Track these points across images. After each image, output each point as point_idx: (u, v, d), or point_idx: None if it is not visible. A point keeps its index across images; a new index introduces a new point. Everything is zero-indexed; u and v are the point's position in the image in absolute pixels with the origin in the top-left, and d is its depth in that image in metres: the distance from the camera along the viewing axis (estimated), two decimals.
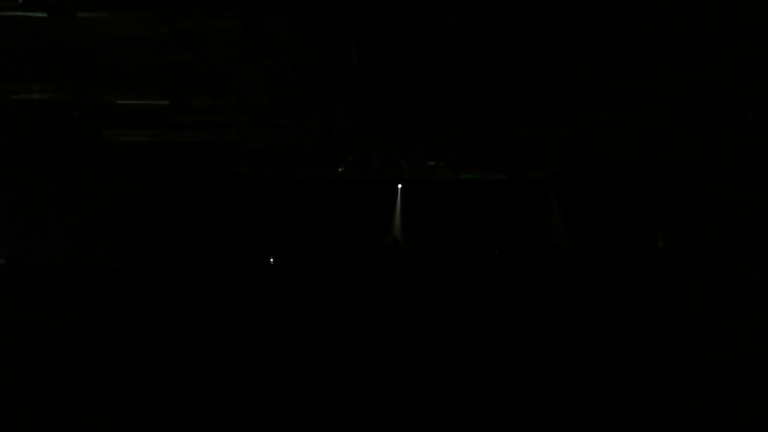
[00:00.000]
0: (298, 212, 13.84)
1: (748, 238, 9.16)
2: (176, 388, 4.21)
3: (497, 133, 9.91)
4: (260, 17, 5.69)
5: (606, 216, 12.23)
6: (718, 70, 6.70)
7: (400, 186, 14.63)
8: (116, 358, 4.64)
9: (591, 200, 12.49)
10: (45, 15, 5.39)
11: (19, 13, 5.41)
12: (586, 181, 12.63)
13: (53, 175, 9.81)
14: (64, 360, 4.56)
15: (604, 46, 6.33)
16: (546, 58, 6.77)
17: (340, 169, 13.11)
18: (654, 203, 11.60)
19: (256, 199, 13.50)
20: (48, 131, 9.22)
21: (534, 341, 5.74)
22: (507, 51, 6.56)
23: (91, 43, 6.39)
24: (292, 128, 9.92)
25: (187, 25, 5.92)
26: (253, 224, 13.14)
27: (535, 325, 6.21)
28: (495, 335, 5.78)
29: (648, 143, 10.07)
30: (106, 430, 3.59)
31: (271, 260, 12.33)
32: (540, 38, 6.20)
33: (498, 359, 5.08)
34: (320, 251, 12.79)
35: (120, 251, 9.98)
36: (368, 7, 5.49)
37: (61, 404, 3.78)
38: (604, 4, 5.40)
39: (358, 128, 9.86)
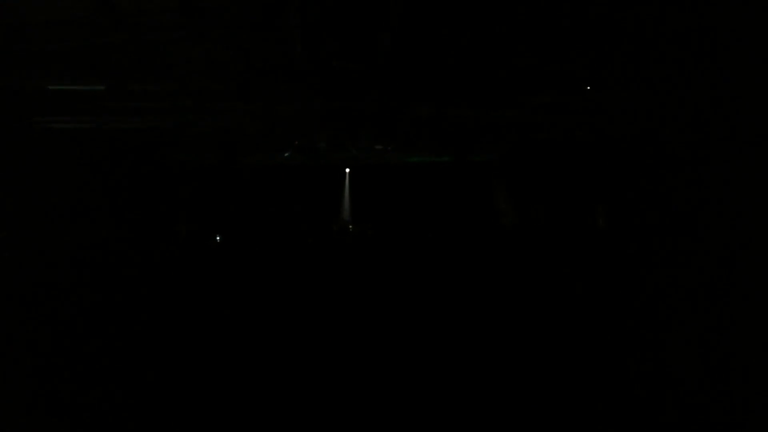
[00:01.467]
0: (245, 199, 13.63)
1: (688, 217, 9.55)
2: (129, 370, 4.11)
3: (443, 116, 9.98)
4: None
5: (549, 196, 12.55)
6: (659, 47, 6.90)
7: (348, 170, 14.60)
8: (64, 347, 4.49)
9: (535, 181, 12.79)
10: None
11: None
12: (530, 162, 12.90)
13: None
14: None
15: (547, 27, 6.44)
16: (490, 40, 6.84)
17: (286, 155, 12.95)
18: (596, 184, 11.98)
19: (201, 187, 13.21)
20: None
21: (481, 319, 5.86)
22: (452, 34, 6.59)
23: (21, 26, 6.07)
24: (235, 113, 9.72)
25: (123, 6, 5.70)
26: (198, 212, 12.87)
27: (483, 303, 6.34)
28: (444, 315, 5.88)
29: (589, 124, 10.35)
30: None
31: (218, 238, 12.14)
32: (484, 21, 6.25)
33: (447, 339, 5.16)
34: (269, 236, 12.65)
35: (57, 243, 9.60)
36: None
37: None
38: None
39: (304, 113, 9.75)
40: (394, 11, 5.85)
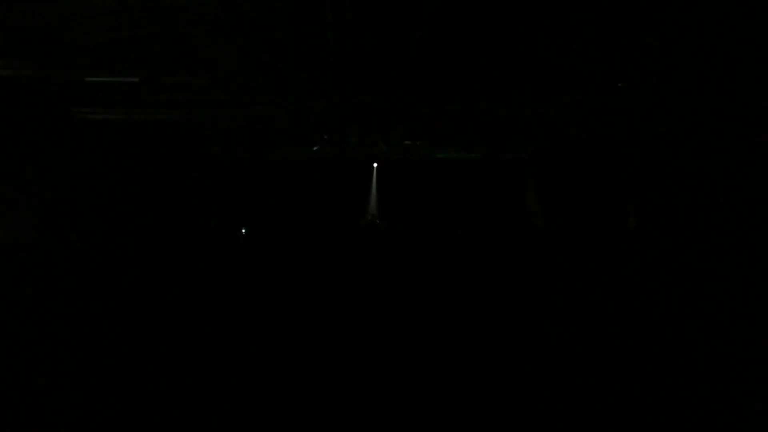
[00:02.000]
0: (274, 192, 13.74)
1: (721, 220, 9.35)
2: (155, 363, 4.18)
3: (473, 112, 9.92)
4: None
5: (580, 196, 12.39)
6: (695, 49, 6.77)
7: (375, 165, 14.60)
8: (95, 339, 4.58)
9: (566, 180, 12.63)
10: None
11: None
12: (561, 161, 12.75)
13: (21, 155, 9.57)
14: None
15: (579, 26, 6.35)
16: (522, 38, 6.77)
17: (315, 149, 13.01)
18: (627, 183, 11.79)
19: (231, 180, 13.35)
20: (15, 109, 8.98)
21: (510, 320, 5.81)
22: (484, 31, 6.54)
23: (59, 19, 6.20)
24: (266, 107, 9.80)
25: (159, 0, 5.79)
26: (229, 205, 13.02)
27: (511, 304, 6.29)
28: (472, 314, 5.84)
29: (622, 123, 10.18)
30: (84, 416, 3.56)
31: (243, 231, 12.26)
32: (516, 18, 6.19)
33: (475, 339, 5.13)
34: (297, 230, 12.73)
35: (93, 231, 9.81)
36: None
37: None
38: None
39: (334, 107, 9.78)
40: (426, 7, 5.81)
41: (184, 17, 6.27)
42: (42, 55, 7.35)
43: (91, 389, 3.78)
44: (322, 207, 13.94)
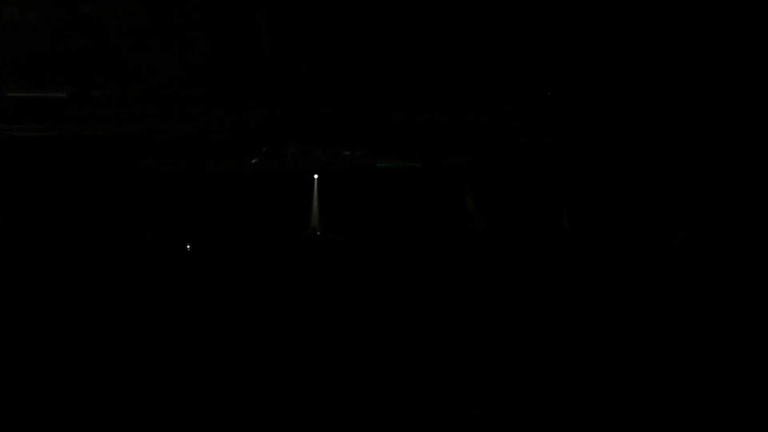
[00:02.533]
0: (213, 206, 13.48)
1: (650, 221, 9.79)
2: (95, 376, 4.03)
3: (412, 121, 10.05)
4: (165, 2, 5.47)
5: (516, 199, 12.76)
6: (622, 52, 7.06)
7: (316, 176, 14.55)
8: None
9: (503, 185, 12.98)
10: None
11: None
12: (498, 167, 13.09)
13: None
14: None
15: (514, 33, 6.54)
16: (458, 46, 6.92)
17: (254, 161, 12.87)
18: (560, 186, 12.22)
19: (169, 194, 13.02)
20: None
21: (452, 321, 5.90)
22: (420, 39, 6.65)
23: None
24: (202, 119, 9.63)
25: (84, 10, 5.61)
26: (166, 219, 12.68)
27: (452, 305, 6.39)
28: (414, 319, 5.90)
29: (554, 129, 10.54)
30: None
31: (188, 247, 11.97)
32: (452, 26, 6.32)
33: (418, 341, 5.18)
34: (237, 243, 12.52)
35: (22, 251, 9.36)
36: None
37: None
38: None
39: (272, 118, 9.71)
40: (362, 15, 5.87)
41: (111, 29, 6.10)
42: None
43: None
44: (262, 219, 13.76)
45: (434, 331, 5.57)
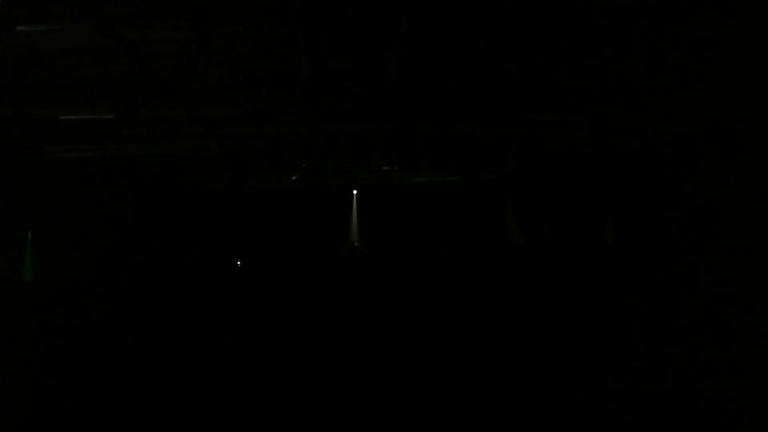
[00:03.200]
0: (254, 223, 13.69)
1: (697, 233, 9.52)
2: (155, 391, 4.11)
3: (449, 135, 10.03)
4: (208, 26, 5.62)
5: (558, 212, 12.55)
6: (665, 65, 6.94)
7: (355, 192, 14.65)
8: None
9: (543, 198, 12.79)
10: None
11: None
12: (538, 179, 12.92)
13: None
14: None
15: (551, 46, 6.49)
16: (495, 59, 6.91)
17: (294, 177, 13.03)
18: (603, 199, 11.98)
19: (211, 211, 13.29)
20: None
21: (495, 337, 5.82)
22: (457, 53, 6.67)
23: (32, 57, 6.19)
24: (244, 138, 9.81)
25: (131, 35, 5.80)
26: (208, 236, 12.93)
27: (495, 321, 6.31)
28: (457, 334, 5.85)
29: (596, 141, 10.37)
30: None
31: (239, 262, 12.20)
32: (488, 40, 6.32)
33: (461, 357, 5.13)
34: (277, 258, 12.66)
35: (72, 271, 9.66)
36: (317, 14, 5.49)
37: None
38: (550, 5, 5.55)
39: (311, 136, 9.83)
40: (399, 32, 5.92)
41: (158, 52, 6.30)
42: (16, 95, 7.31)
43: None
44: (302, 235, 13.90)
45: (472, 346, 5.52)
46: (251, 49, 6.41)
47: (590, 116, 9.03)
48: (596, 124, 9.42)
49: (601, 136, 10.12)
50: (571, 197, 12.35)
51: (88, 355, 5.08)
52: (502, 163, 12.89)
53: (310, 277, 10.59)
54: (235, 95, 7.83)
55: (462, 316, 6.71)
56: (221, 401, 4.18)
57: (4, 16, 5.13)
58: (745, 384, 4.04)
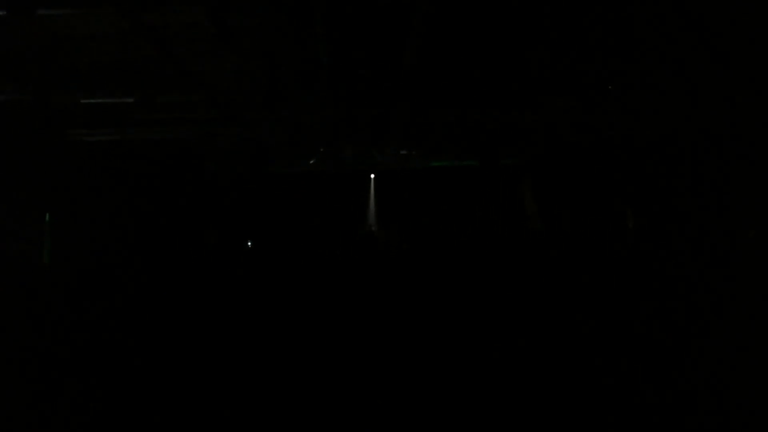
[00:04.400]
0: (272, 207, 13.74)
1: (718, 220, 9.38)
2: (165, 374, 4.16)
3: (468, 120, 9.96)
4: (226, 11, 5.60)
5: (577, 198, 12.42)
6: (684, 51, 6.81)
7: (373, 176, 14.62)
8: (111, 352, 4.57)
9: (562, 184, 12.66)
10: (4, 13, 5.25)
11: None
12: (557, 165, 12.78)
13: (17, 177, 9.57)
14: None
15: (571, 30, 6.39)
16: (513, 44, 6.81)
17: (311, 162, 13.04)
18: (623, 184, 11.82)
19: (228, 195, 13.35)
20: (10, 133, 8.98)
21: (514, 325, 5.81)
22: (475, 38, 6.58)
23: (53, 42, 6.23)
24: (262, 123, 9.83)
25: (150, 20, 5.81)
26: (227, 221, 13.01)
27: (513, 308, 6.28)
28: (477, 321, 5.84)
29: (616, 126, 10.22)
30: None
31: (249, 243, 12.30)
32: (507, 24, 6.23)
33: (479, 344, 5.12)
34: (295, 243, 12.72)
35: (93, 253, 9.79)
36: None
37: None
38: None
39: (329, 120, 9.81)
40: (417, 17, 5.85)
41: (176, 37, 6.30)
42: (37, 79, 7.38)
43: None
44: (320, 219, 13.94)
45: (490, 331, 5.50)
46: (270, 35, 6.39)
47: (610, 102, 8.90)
48: (615, 109, 9.29)
49: (621, 122, 9.97)
50: (590, 183, 12.20)
51: (103, 338, 5.15)
52: (521, 148, 12.77)
53: (328, 261, 10.64)
54: (253, 80, 7.82)
55: (478, 302, 6.69)
56: (240, 384, 4.22)
57: (25, 0, 5.16)
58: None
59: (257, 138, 10.88)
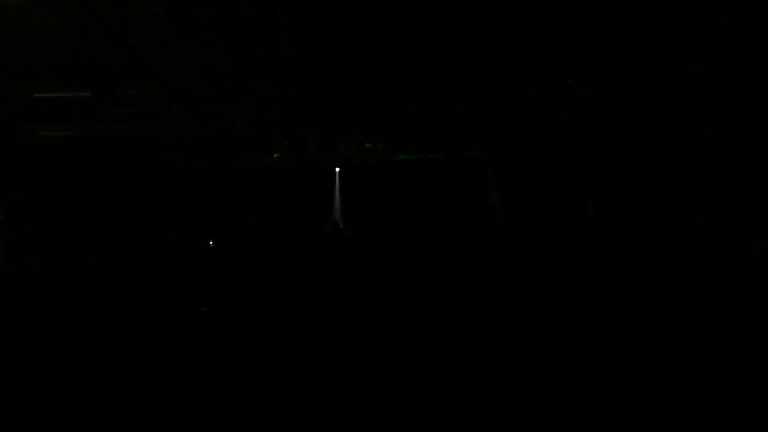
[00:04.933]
0: (236, 202, 13.59)
1: (675, 210, 9.63)
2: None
3: (432, 112, 10.00)
4: (186, 2, 5.50)
5: (539, 190, 12.63)
6: (646, 39, 6.95)
7: (338, 170, 14.58)
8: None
9: (525, 176, 12.85)
10: None
11: None
12: (520, 157, 12.96)
13: None
14: None
15: (533, 23, 6.47)
16: (476, 38, 6.87)
17: (275, 156, 12.93)
18: (584, 177, 12.07)
19: (191, 190, 13.15)
20: None
21: (472, 313, 5.88)
22: (439, 32, 6.61)
23: (6, 34, 6.03)
24: (224, 116, 9.69)
25: (106, 12, 5.66)
26: (189, 216, 12.82)
27: (477, 296, 6.36)
28: (443, 310, 5.89)
29: (576, 119, 10.41)
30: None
31: (210, 243, 12.13)
32: (470, 18, 6.28)
33: (445, 337, 5.17)
34: (260, 237, 12.62)
35: (43, 250, 9.54)
36: None
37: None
38: None
39: (293, 113, 9.73)
40: (381, 9, 5.85)
41: (133, 29, 6.16)
42: None
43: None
44: (285, 214, 13.84)
45: (455, 323, 5.57)
46: (231, 27, 6.30)
47: (571, 94, 9.05)
48: (575, 103, 9.45)
49: (581, 116, 10.16)
50: (552, 175, 12.43)
51: (61, 338, 5.04)
52: (484, 141, 12.90)
53: (294, 254, 10.58)
54: (214, 73, 7.70)
55: (444, 292, 6.76)
56: (208, 378, 4.19)
57: None
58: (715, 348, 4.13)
59: (220, 132, 10.73)
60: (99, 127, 9.76)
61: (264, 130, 10.76)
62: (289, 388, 4.08)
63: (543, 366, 4.39)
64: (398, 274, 7.83)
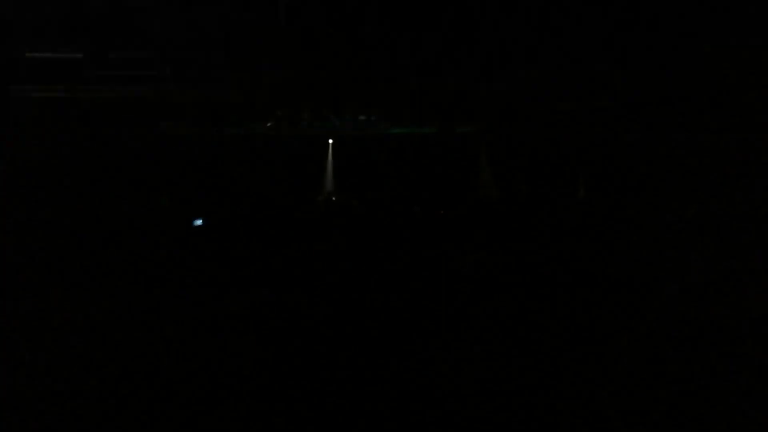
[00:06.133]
0: (227, 170, 13.50)
1: (669, 189, 9.68)
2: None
3: (426, 86, 9.95)
4: None
5: (532, 168, 12.65)
6: (638, 19, 6.92)
7: (331, 141, 14.49)
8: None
9: (518, 153, 12.86)
10: None
11: None
12: (513, 133, 12.94)
13: None
14: None
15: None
16: (473, 12, 6.81)
17: (268, 125, 12.82)
18: (577, 154, 12.09)
19: (182, 157, 13.04)
20: None
21: (464, 290, 5.93)
22: (435, 5, 6.55)
23: None
24: (217, 82, 9.60)
25: None
26: (180, 182, 12.74)
27: (468, 271, 6.42)
28: (435, 284, 5.94)
29: (572, 95, 10.38)
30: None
31: (198, 222, 12.06)
32: None
33: (434, 313, 5.22)
34: (252, 207, 12.58)
35: (32, 215, 9.49)
36: None
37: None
38: None
39: (287, 82, 9.66)
40: None
41: None
42: None
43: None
44: (277, 184, 13.78)
45: (446, 301, 5.62)
46: None
47: (567, 72, 9.02)
48: (572, 80, 9.42)
49: (576, 93, 10.14)
50: (544, 152, 12.44)
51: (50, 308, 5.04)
52: (478, 116, 12.85)
53: (286, 225, 10.57)
54: (209, 39, 7.62)
55: (436, 267, 6.80)
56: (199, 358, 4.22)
57: None
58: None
59: (213, 98, 10.62)
60: (91, 90, 9.65)
61: (257, 98, 10.68)
62: (283, 368, 4.11)
63: (531, 346, 4.45)
64: (390, 246, 7.86)
